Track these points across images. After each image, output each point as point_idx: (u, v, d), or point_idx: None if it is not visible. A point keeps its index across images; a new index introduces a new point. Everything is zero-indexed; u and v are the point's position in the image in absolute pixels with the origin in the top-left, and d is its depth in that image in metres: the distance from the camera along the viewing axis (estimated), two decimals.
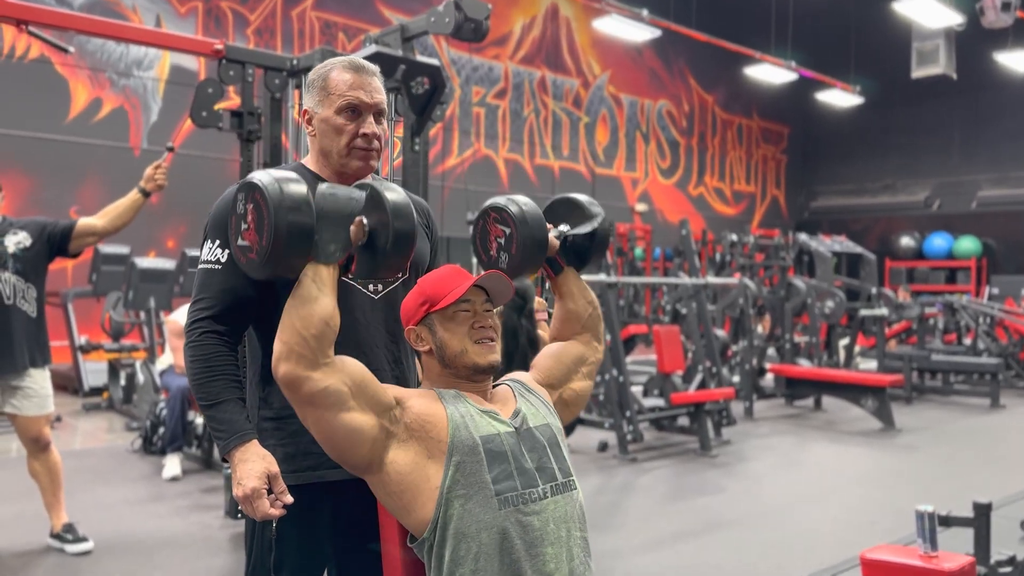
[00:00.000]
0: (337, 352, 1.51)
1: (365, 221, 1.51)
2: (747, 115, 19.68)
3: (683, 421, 6.59)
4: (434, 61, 4.21)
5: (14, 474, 5.18)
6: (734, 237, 9.24)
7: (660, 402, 6.37)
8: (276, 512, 1.61)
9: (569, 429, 4.17)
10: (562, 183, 15.30)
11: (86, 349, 7.88)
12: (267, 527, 1.71)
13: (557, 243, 1.81)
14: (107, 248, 7.98)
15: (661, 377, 6.44)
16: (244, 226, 1.45)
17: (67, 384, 8.46)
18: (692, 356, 6.94)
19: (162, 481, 4.93)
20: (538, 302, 4.23)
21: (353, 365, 1.50)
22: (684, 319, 7.31)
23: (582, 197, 1.87)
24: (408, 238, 1.52)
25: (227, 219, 1.74)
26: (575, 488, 1.61)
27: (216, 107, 4.01)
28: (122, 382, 7.52)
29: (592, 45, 15.96)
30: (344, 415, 1.45)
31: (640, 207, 16.66)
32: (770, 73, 14.55)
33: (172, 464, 5.03)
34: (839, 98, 16.28)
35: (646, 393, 7.30)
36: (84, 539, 3.68)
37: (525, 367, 3.40)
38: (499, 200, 1.78)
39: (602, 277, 5.98)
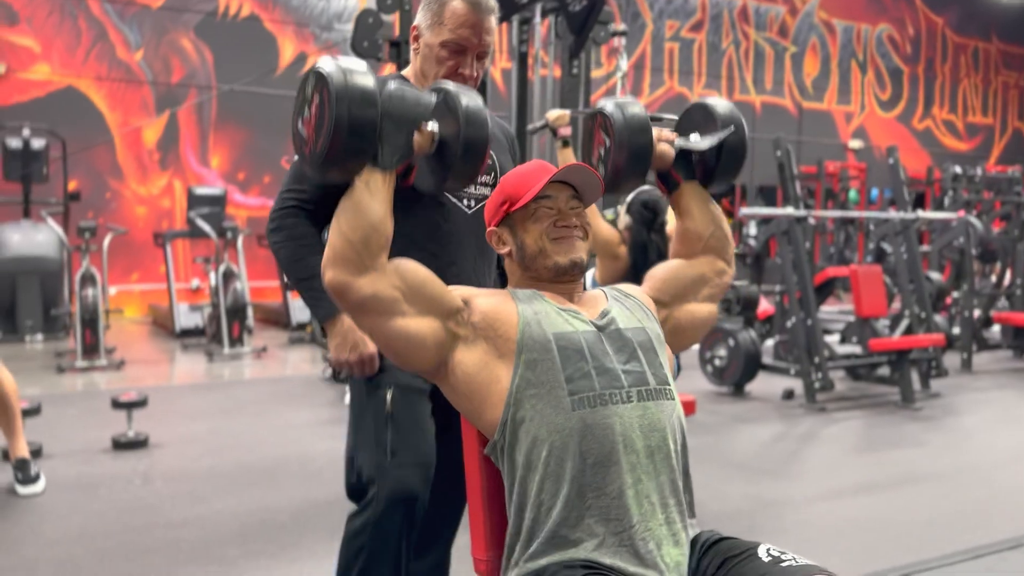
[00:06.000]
0: (426, 263, 1.44)
1: (434, 128, 1.40)
2: (984, 38, 17.45)
3: (885, 371, 6.00)
4: None
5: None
6: (957, 169, 8.24)
7: (857, 349, 5.83)
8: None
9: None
10: (764, 119, 14.37)
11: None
12: (382, 403, 1.73)
13: (672, 155, 1.62)
14: None
15: (859, 322, 5.89)
16: (306, 114, 1.36)
17: (278, 319, 9.15)
18: (903, 302, 6.29)
19: (344, 407, 5.17)
20: None
21: (409, 269, 1.39)
22: (889, 260, 6.63)
23: (717, 103, 1.65)
24: (479, 148, 1.40)
25: None
26: (672, 399, 1.43)
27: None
28: None
29: None
30: (398, 321, 1.36)
31: (855, 144, 15.35)
32: None
33: None
34: None
35: (844, 340, 6.74)
36: (34, 480, 3.46)
37: None
38: (607, 104, 1.60)
39: (789, 210, 5.51)
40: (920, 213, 6.25)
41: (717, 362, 5.84)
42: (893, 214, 6.24)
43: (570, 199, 1.50)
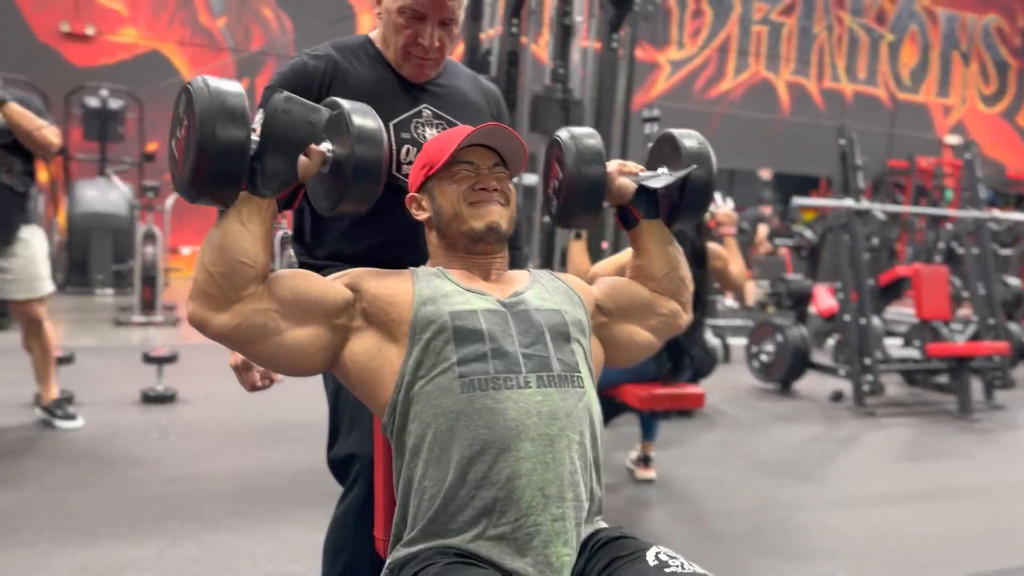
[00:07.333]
0: (370, 247, 1.43)
1: (326, 148, 1.30)
2: None
3: (946, 379, 5.67)
4: None
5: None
6: None
7: (916, 354, 5.52)
8: (264, 384, 1.55)
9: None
10: (855, 109, 13.76)
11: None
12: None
13: (631, 190, 1.52)
14: None
15: (920, 325, 5.57)
16: (178, 134, 1.23)
17: None
18: (973, 306, 5.92)
19: None
20: (725, 214, 3.75)
21: (282, 284, 1.27)
22: (959, 261, 6.25)
23: (686, 136, 1.52)
24: (373, 170, 1.30)
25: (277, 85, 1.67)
26: (581, 387, 1.32)
27: None
28: None
29: None
30: (273, 340, 1.26)
31: (952, 139, 14.55)
32: None
33: None
34: None
35: (907, 343, 6.42)
36: (73, 416, 3.73)
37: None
38: (562, 135, 1.51)
39: (848, 202, 5.23)
40: (995, 213, 5.85)
41: (764, 357, 5.63)
42: (966, 212, 5.87)
43: (494, 165, 1.43)
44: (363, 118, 1.31)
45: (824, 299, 6.56)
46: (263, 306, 1.25)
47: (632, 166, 1.55)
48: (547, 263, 3.90)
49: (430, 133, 1.68)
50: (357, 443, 1.62)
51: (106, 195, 7.97)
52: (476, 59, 4.10)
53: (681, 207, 1.52)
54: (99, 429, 3.72)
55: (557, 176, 1.52)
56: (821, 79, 13.65)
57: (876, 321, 5.71)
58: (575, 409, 1.30)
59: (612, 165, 1.53)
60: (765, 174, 11.53)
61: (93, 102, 7.95)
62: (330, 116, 1.29)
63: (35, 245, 3.59)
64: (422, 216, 1.45)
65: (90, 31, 9.38)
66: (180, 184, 1.22)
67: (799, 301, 5.59)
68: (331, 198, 1.36)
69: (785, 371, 5.48)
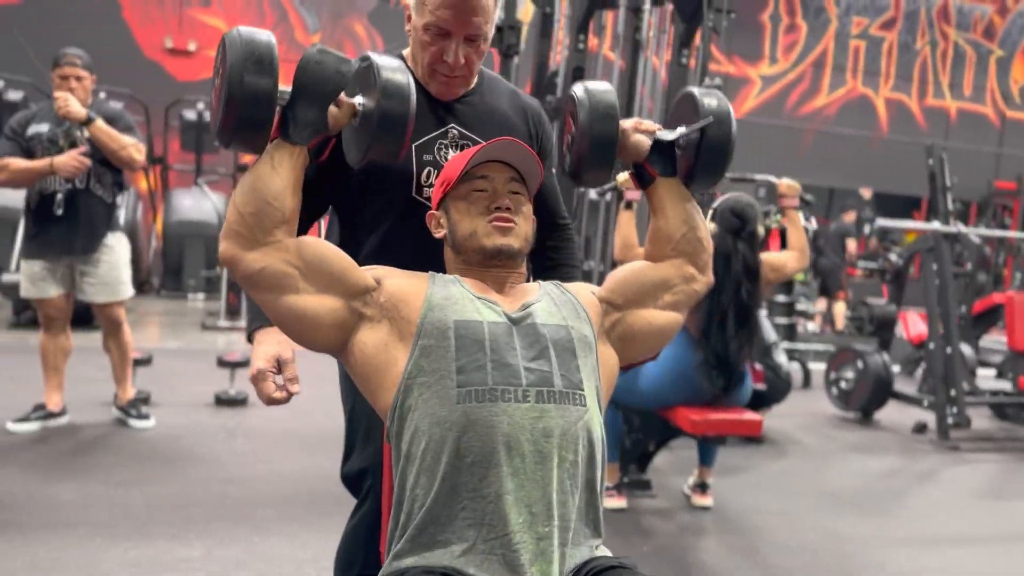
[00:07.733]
0: (399, 262, 1.42)
1: (359, 101, 1.34)
2: None
3: None
4: None
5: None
6: None
7: (1008, 386, 5.21)
8: (280, 396, 1.56)
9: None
10: (959, 127, 13.15)
11: None
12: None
13: (646, 146, 1.50)
14: None
15: (1013, 356, 5.26)
16: (216, 82, 1.32)
17: None
18: None
19: None
20: (787, 185, 3.60)
21: (310, 246, 1.33)
22: None
23: (705, 94, 1.49)
24: (398, 122, 1.32)
25: None
26: (583, 406, 1.31)
27: None
28: None
29: None
30: (291, 297, 1.31)
31: None
32: None
33: None
34: None
35: (1000, 375, 6.07)
36: (146, 416, 3.92)
37: (739, 299, 2.93)
38: (577, 90, 1.50)
39: (936, 225, 4.99)
40: None
41: (843, 384, 5.41)
42: None
43: (509, 180, 1.43)
44: (392, 73, 1.34)
45: (915, 325, 6.27)
46: (291, 259, 1.30)
47: (649, 124, 1.53)
48: None
49: (453, 155, 1.66)
50: (371, 457, 1.63)
51: (200, 204, 8.31)
52: (543, 78, 4.10)
53: (698, 166, 1.49)
54: (170, 429, 3.87)
55: (571, 131, 1.52)
56: (923, 96, 13.11)
57: (967, 350, 5.42)
58: (572, 427, 1.28)
59: (628, 122, 1.52)
60: (866, 193, 11.17)
61: (190, 115, 8.32)
62: (360, 68, 1.36)
63: (119, 251, 3.77)
64: (440, 234, 1.47)
65: (192, 47, 9.84)
66: (215, 130, 1.30)
67: (882, 326, 5.35)
68: (360, 149, 1.40)
69: (865, 399, 5.25)
